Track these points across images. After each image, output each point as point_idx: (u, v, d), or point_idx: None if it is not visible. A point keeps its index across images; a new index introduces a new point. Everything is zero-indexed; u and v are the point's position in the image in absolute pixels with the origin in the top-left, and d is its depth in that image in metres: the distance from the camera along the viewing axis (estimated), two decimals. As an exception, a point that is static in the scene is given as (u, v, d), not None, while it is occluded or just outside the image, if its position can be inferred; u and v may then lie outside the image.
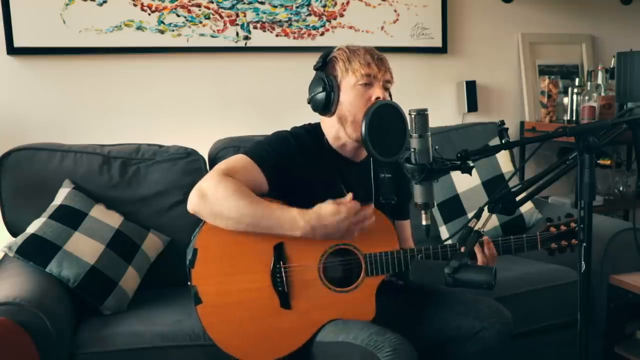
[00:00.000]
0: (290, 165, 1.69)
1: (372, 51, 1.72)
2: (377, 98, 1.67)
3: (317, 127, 1.80)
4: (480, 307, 1.71)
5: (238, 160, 1.67)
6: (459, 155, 1.32)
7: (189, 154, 2.32)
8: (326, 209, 1.58)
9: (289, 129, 1.81)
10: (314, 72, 1.76)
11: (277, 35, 2.72)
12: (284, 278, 1.63)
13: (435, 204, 1.48)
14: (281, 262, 1.63)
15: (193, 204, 1.61)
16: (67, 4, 2.43)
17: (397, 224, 1.86)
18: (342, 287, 1.68)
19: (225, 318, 1.62)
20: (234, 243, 1.62)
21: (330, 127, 1.76)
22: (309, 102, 1.75)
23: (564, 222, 1.77)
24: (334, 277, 1.69)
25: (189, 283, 1.62)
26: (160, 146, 2.33)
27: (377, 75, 1.69)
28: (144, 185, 2.24)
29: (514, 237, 1.75)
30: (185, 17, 2.59)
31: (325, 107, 1.70)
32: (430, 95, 3.05)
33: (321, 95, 1.70)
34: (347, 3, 2.82)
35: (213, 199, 1.58)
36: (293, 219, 1.58)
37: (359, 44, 1.75)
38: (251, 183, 1.63)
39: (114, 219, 2.10)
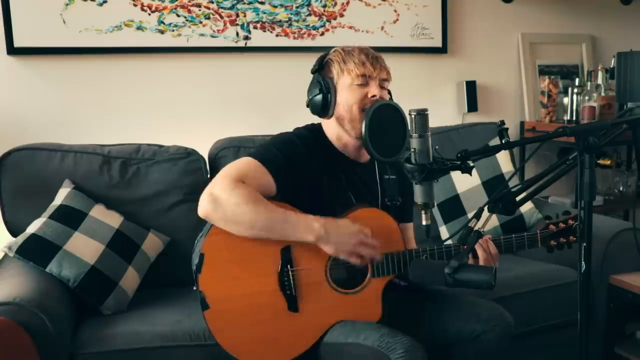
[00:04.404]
0: (298, 167, 1.68)
1: (367, 50, 1.73)
2: (373, 96, 1.67)
3: (319, 127, 1.80)
4: (482, 310, 1.71)
5: (246, 163, 1.66)
6: (459, 155, 1.32)
7: (189, 154, 2.32)
8: (343, 219, 1.63)
9: (290, 130, 1.81)
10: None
11: (277, 35, 2.72)
12: (292, 281, 1.63)
13: (435, 204, 1.48)
14: (288, 266, 1.63)
15: (205, 209, 1.59)
16: (67, 4, 2.43)
17: (400, 225, 1.87)
18: (348, 289, 1.68)
19: (233, 323, 1.61)
20: (241, 247, 1.61)
21: (332, 129, 1.77)
22: (307, 106, 1.76)
23: (562, 219, 1.79)
24: (340, 278, 1.69)
25: (194, 288, 1.61)
26: (160, 146, 2.33)
27: (373, 74, 1.70)
28: (144, 185, 2.23)
29: (515, 235, 1.76)
30: (185, 17, 2.58)
31: (323, 109, 1.72)
32: (430, 95, 3.05)
33: (318, 98, 1.71)
34: (347, 3, 2.81)
35: (226, 204, 1.56)
36: (308, 222, 1.58)
37: (355, 44, 1.75)
38: (260, 187, 1.62)
39: (114, 219, 2.10)
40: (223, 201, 1.57)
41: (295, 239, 1.60)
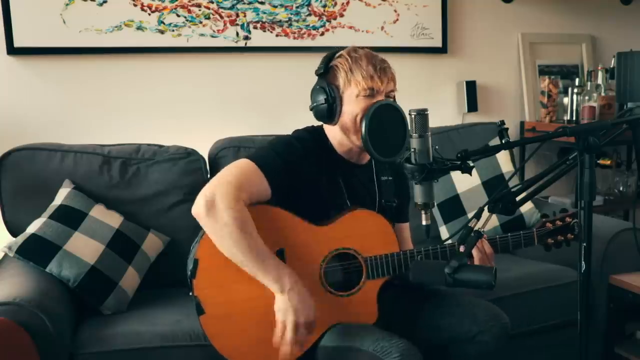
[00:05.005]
0: (296, 169, 1.68)
1: (375, 60, 1.69)
2: None
3: (319, 129, 1.79)
4: (478, 310, 1.71)
5: (244, 167, 1.64)
6: (459, 155, 1.32)
7: (189, 154, 2.32)
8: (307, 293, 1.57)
9: (290, 132, 1.80)
10: (314, 72, 1.74)
11: (277, 35, 2.72)
12: None
13: (435, 204, 1.48)
14: None
15: (199, 210, 1.57)
16: (67, 4, 2.43)
17: (396, 226, 1.87)
18: (343, 291, 1.68)
19: (229, 327, 1.61)
20: None
21: (335, 134, 1.75)
22: (311, 110, 1.73)
23: (559, 217, 1.78)
24: (335, 281, 1.68)
25: (190, 294, 1.61)
26: (160, 146, 2.33)
27: (380, 88, 1.67)
28: (144, 185, 2.23)
29: (511, 234, 1.76)
30: (185, 17, 2.58)
31: (329, 117, 1.69)
32: (430, 95, 3.05)
33: (324, 107, 1.68)
34: (347, 3, 2.81)
35: (218, 218, 1.54)
36: (281, 274, 1.55)
37: (360, 47, 1.73)
38: (255, 192, 1.62)
39: (114, 219, 2.10)
40: (217, 214, 1.55)
41: (261, 281, 1.56)
